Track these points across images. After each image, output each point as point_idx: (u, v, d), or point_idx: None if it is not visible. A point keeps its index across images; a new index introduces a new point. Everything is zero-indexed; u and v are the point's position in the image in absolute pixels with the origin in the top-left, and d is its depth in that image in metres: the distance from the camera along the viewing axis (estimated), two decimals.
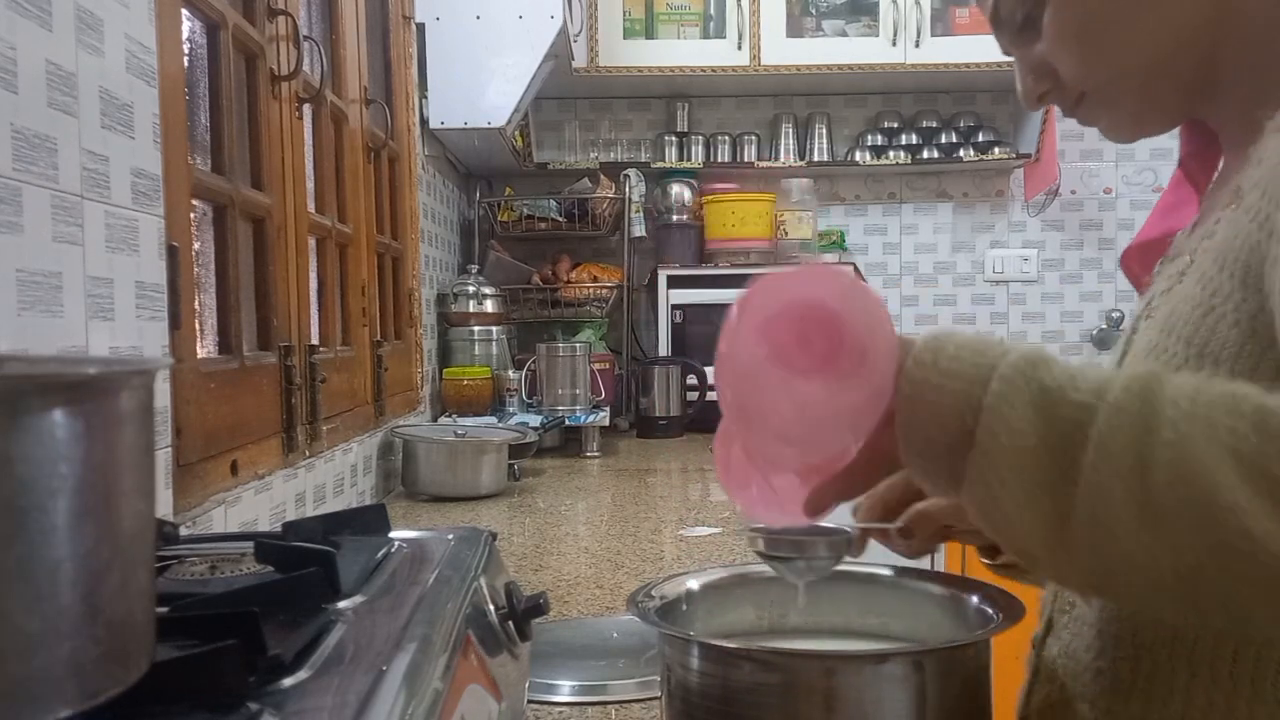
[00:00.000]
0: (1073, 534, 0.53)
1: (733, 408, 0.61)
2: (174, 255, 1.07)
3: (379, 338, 2.03)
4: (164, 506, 1.03)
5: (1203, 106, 0.75)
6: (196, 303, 1.20)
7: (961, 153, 3.19)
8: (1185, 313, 0.65)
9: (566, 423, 2.57)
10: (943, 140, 3.23)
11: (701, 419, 2.91)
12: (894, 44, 3.00)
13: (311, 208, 1.67)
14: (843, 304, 0.58)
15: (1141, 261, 0.85)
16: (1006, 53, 0.81)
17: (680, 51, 3.04)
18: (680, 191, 3.16)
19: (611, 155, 3.25)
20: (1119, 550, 0.52)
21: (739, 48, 2.99)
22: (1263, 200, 0.61)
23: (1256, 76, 0.70)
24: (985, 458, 0.55)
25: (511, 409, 2.59)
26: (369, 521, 0.80)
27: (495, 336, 2.70)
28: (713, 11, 3.10)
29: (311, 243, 1.66)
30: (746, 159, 3.24)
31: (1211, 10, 0.70)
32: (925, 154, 3.22)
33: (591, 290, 3.00)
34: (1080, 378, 0.55)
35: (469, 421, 2.37)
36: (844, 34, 3.12)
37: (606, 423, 2.64)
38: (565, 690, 0.99)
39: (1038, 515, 0.54)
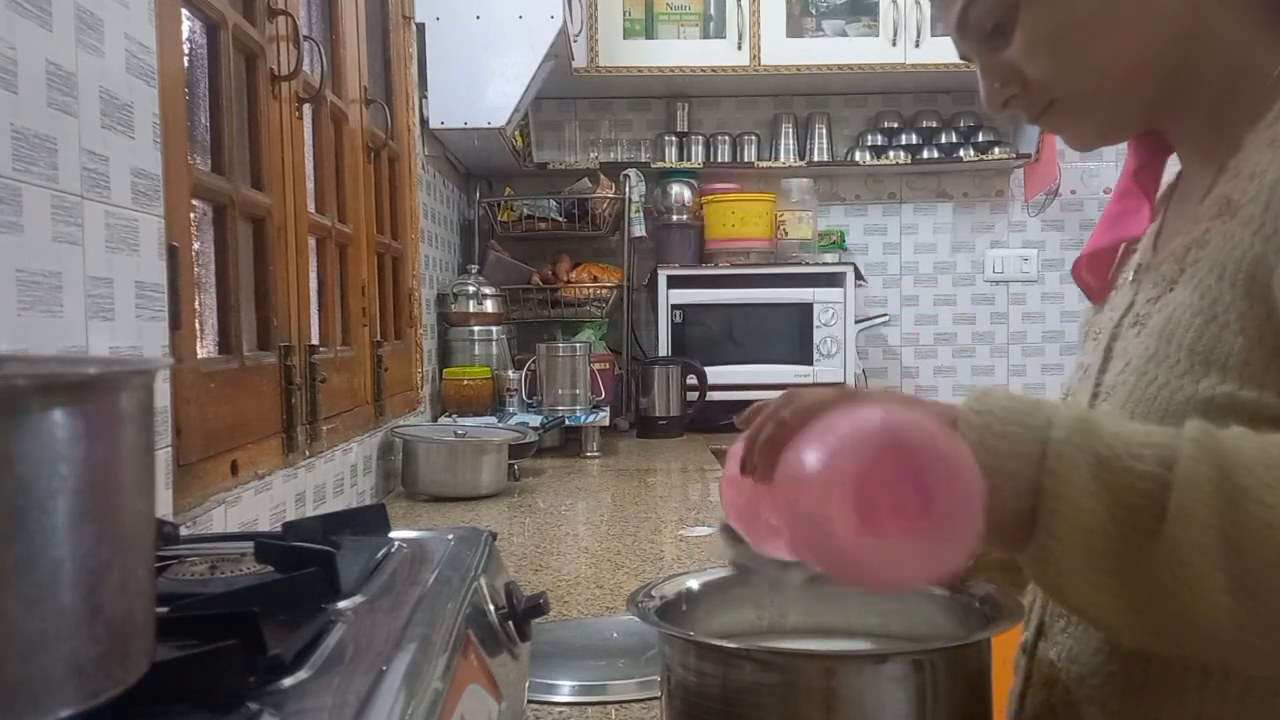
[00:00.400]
0: (1154, 607, 0.54)
1: (812, 553, 0.59)
2: (174, 255, 1.07)
3: (379, 338, 2.03)
4: (164, 506, 1.03)
5: (1165, 117, 0.76)
6: (196, 303, 1.20)
7: (961, 153, 3.19)
8: (1185, 320, 0.66)
9: (566, 423, 2.57)
10: (943, 140, 3.23)
11: (701, 419, 2.91)
12: (894, 44, 3.00)
13: (311, 208, 1.67)
14: (926, 450, 0.56)
15: (1090, 269, 0.86)
16: (965, 58, 0.81)
17: (680, 51, 3.04)
18: (680, 191, 3.15)
19: (611, 155, 3.25)
20: (1210, 622, 0.53)
21: (739, 48, 2.99)
22: (1265, 214, 0.62)
23: (1225, 89, 0.72)
24: (1051, 537, 0.56)
25: (511, 409, 2.59)
26: (369, 521, 0.80)
27: (495, 336, 2.70)
28: (713, 11, 3.10)
29: (311, 243, 1.66)
30: (746, 159, 3.24)
31: (1184, 23, 0.71)
32: (925, 154, 3.22)
33: (591, 290, 3.00)
34: (1134, 443, 0.55)
35: (469, 421, 2.37)
36: (844, 34, 3.12)
37: (606, 423, 2.64)
38: (565, 690, 0.99)
39: (1113, 588, 0.55)
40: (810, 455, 0.58)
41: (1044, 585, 0.59)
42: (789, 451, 0.60)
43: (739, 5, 2.98)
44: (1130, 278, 0.79)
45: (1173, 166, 0.83)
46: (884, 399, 0.62)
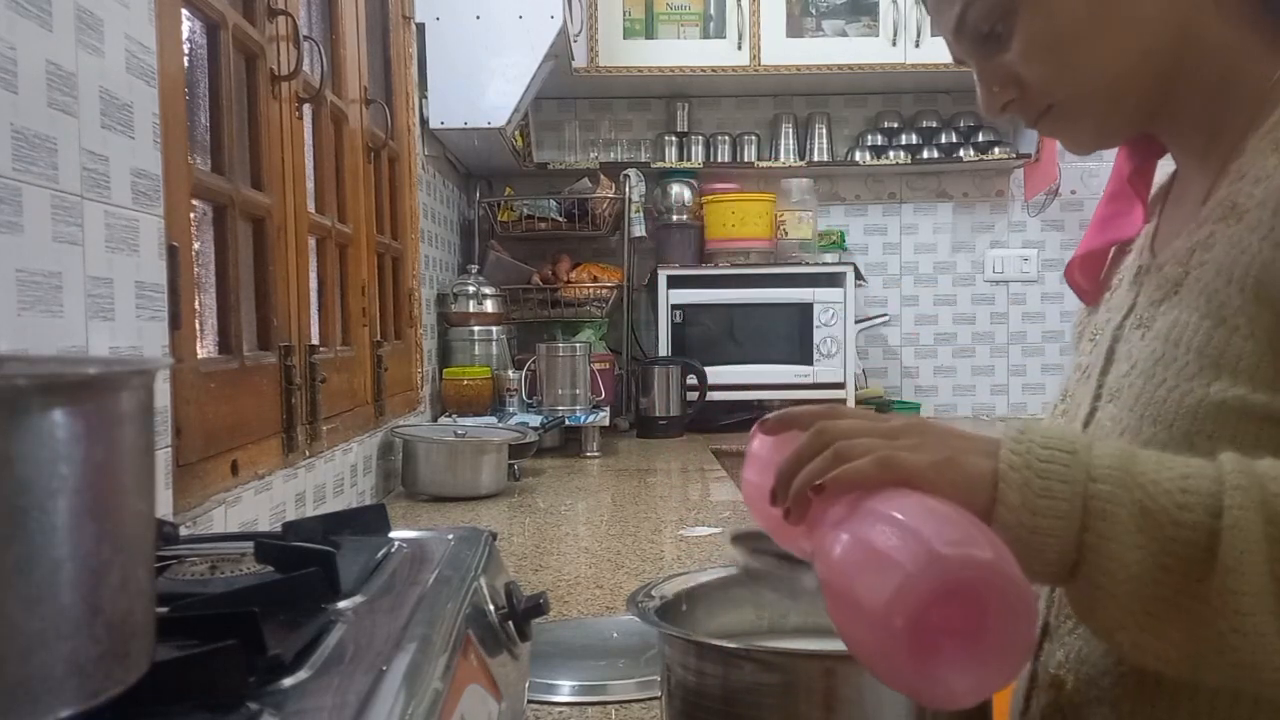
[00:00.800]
0: (1201, 648, 0.55)
1: (864, 662, 0.57)
2: (174, 255, 1.07)
3: (379, 338, 2.03)
4: (164, 506, 1.03)
5: (1160, 120, 0.77)
6: (196, 303, 1.20)
7: (961, 153, 3.19)
8: (1193, 324, 0.66)
9: (566, 423, 2.57)
10: (943, 140, 3.23)
11: (701, 419, 2.91)
12: (894, 44, 3.00)
13: (311, 208, 1.67)
14: (982, 585, 0.54)
15: (1083, 271, 0.86)
16: (960, 62, 0.80)
17: (680, 51, 3.04)
18: (680, 191, 3.16)
19: (611, 155, 3.25)
20: (1259, 662, 0.54)
21: (739, 48, 2.99)
22: (1274, 219, 0.62)
23: (1218, 92, 0.72)
24: (1095, 586, 0.56)
25: (511, 409, 2.59)
26: (369, 521, 0.80)
27: (495, 336, 2.70)
28: (713, 11, 3.10)
29: (311, 243, 1.66)
30: (746, 159, 3.24)
31: (1176, 28, 0.71)
32: (925, 154, 3.22)
33: (591, 290, 3.00)
34: (1176, 490, 0.55)
35: (469, 421, 2.37)
36: (844, 34, 3.12)
37: (606, 423, 2.64)
38: (565, 690, 0.99)
39: (1158, 631, 0.56)
40: (859, 576, 0.56)
41: (1086, 622, 0.59)
42: (834, 538, 0.58)
43: (739, 5, 2.98)
44: (1129, 279, 0.79)
45: (1163, 167, 0.83)
46: (920, 442, 0.60)
